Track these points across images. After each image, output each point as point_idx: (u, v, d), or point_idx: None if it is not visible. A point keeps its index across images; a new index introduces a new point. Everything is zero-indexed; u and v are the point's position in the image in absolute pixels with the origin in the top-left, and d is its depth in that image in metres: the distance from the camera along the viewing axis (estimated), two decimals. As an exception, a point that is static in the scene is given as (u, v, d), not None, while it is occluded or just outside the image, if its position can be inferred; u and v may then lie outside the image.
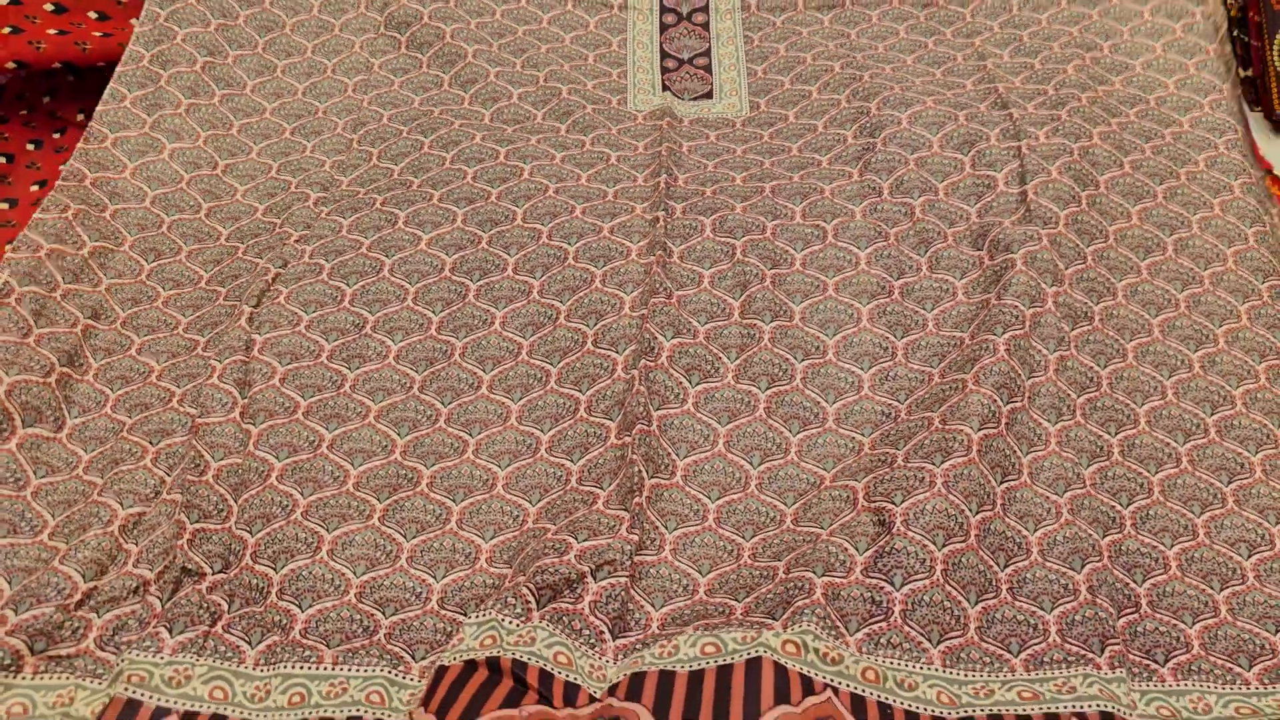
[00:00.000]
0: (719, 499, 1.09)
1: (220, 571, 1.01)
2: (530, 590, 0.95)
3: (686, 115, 1.63)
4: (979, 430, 1.07)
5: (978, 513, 1.02)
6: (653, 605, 0.99)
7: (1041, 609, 0.98)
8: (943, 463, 1.04)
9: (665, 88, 1.68)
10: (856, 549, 0.98)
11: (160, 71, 1.58)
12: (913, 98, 1.53)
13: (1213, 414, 1.19)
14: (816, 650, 0.91)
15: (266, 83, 1.64)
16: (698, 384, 1.19)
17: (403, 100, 1.62)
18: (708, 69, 1.71)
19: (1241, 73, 1.95)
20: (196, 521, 1.03)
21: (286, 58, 1.68)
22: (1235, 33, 1.98)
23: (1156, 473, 1.14)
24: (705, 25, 1.78)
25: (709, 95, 1.67)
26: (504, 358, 1.23)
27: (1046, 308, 1.22)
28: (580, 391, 1.18)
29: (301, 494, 1.09)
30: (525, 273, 1.32)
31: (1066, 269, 1.28)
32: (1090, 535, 1.04)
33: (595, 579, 0.97)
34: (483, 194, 1.41)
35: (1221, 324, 1.28)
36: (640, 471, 1.06)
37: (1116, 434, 1.16)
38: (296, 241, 1.36)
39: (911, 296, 1.29)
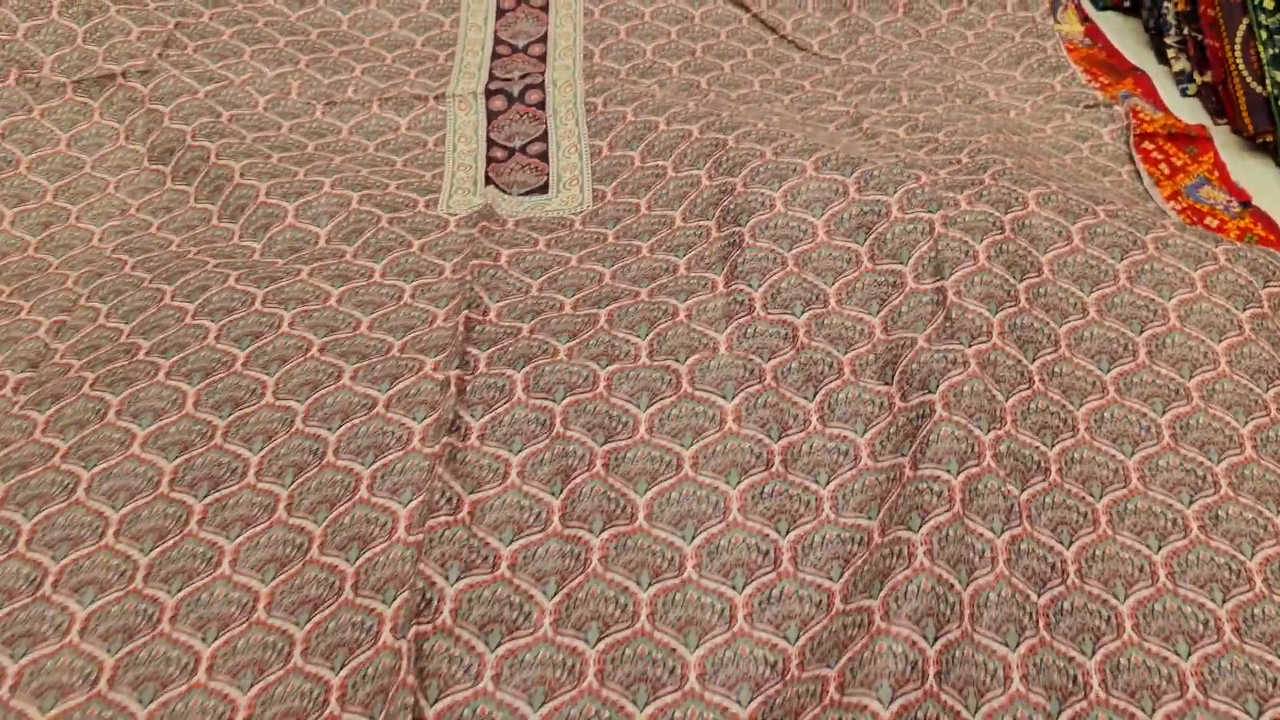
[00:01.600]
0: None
1: None
2: None
3: (513, 215, 1.27)
4: (891, 703, 0.72)
5: None
6: None
7: None
8: (844, 776, 0.69)
9: (489, 181, 1.33)
10: None
11: None
12: (788, 165, 1.18)
13: (1225, 600, 0.85)
14: None
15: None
16: (497, 646, 0.83)
17: (158, 244, 1.25)
18: (544, 156, 1.36)
19: (1199, 79, 1.62)
20: None
21: (18, 205, 1.31)
22: (1185, 30, 1.65)
23: (1154, 710, 0.79)
24: (541, 105, 1.44)
25: (544, 189, 1.32)
26: (232, 618, 0.87)
27: (984, 466, 0.87)
28: (333, 670, 0.82)
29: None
30: (270, 478, 0.96)
31: (1008, 400, 0.94)
32: None
33: None
34: (225, 360, 1.05)
35: (1221, 458, 0.94)
36: None
37: (1094, 652, 0.82)
38: (-28, 458, 0.99)
39: (799, 465, 0.94)
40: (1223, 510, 0.90)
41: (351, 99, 1.46)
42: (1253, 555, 0.87)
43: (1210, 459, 0.94)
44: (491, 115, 1.43)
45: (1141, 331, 1.02)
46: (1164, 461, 0.94)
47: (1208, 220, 1.37)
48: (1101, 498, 0.91)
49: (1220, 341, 1.02)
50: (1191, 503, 0.91)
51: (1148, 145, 1.48)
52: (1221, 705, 0.79)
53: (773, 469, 0.93)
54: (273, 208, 1.25)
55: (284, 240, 1.22)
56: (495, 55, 1.56)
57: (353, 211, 1.24)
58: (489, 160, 1.36)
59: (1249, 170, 1.48)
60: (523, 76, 1.50)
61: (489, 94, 1.46)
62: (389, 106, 1.45)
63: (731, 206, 1.16)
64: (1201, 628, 0.83)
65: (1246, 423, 0.96)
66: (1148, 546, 0.88)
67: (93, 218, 1.31)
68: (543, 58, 1.56)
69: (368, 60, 1.56)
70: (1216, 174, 1.46)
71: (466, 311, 1.07)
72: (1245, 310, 1.04)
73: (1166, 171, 1.46)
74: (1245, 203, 1.41)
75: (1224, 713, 0.78)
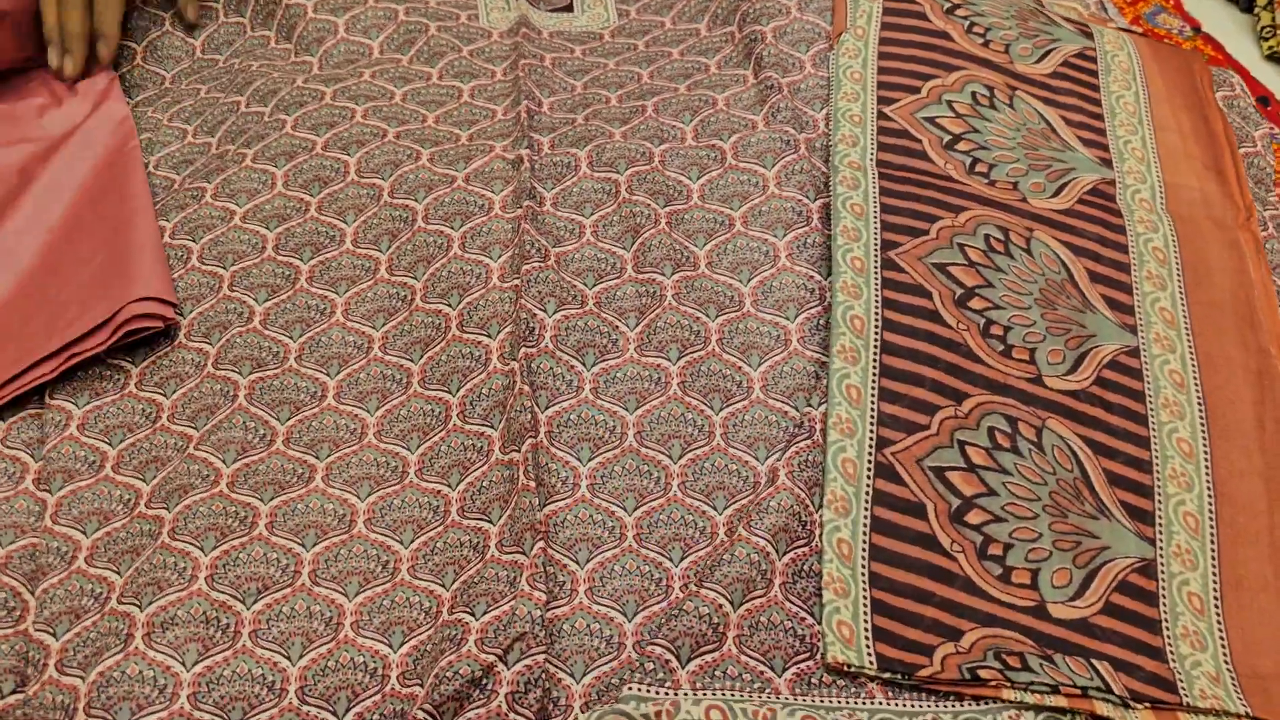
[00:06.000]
0: (636, 509, 0.89)
1: (14, 692, 0.78)
2: (430, 712, 0.74)
3: (546, 27, 1.38)
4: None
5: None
6: (572, 675, 0.79)
7: None
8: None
9: (518, -5, 1.42)
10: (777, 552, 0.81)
11: None
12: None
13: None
14: (745, 710, 0.76)
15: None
16: (594, 365, 0.97)
17: (223, 73, 1.32)
18: (567, -21, 1.46)
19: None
20: (-25, 627, 0.80)
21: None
22: None
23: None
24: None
25: (569, 9, 1.42)
26: (350, 357, 1.00)
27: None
28: (450, 394, 0.96)
29: (119, 572, 0.85)
30: (368, 245, 1.07)
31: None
32: None
33: (507, 664, 0.76)
34: (306, 145, 1.16)
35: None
36: (534, 502, 0.85)
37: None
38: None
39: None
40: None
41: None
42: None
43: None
44: (513, -60, 1.51)
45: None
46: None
47: (1165, 42, 1.53)
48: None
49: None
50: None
51: (1110, -24, 1.62)
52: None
53: (812, 224, 1.07)
54: (323, 22, 1.33)
55: (339, 53, 1.31)
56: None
57: (401, 23, 1.33)
58: (516, -26, 1.45)
59: (1200, 0, 1.63)
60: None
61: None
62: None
63: (750, 12, 1.28)
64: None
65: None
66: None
67: (158, 61, 1.37)
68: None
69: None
70: (1172, 2, 1.61)
71: (526, 103, 1.18)
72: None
73: (1128, 0, 1.61)
74: (1196, 28, 1.56)
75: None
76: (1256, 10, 1.55)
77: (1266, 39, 1.53)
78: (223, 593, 0.83)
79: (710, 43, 1.30)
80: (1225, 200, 1.14)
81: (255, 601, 0.83)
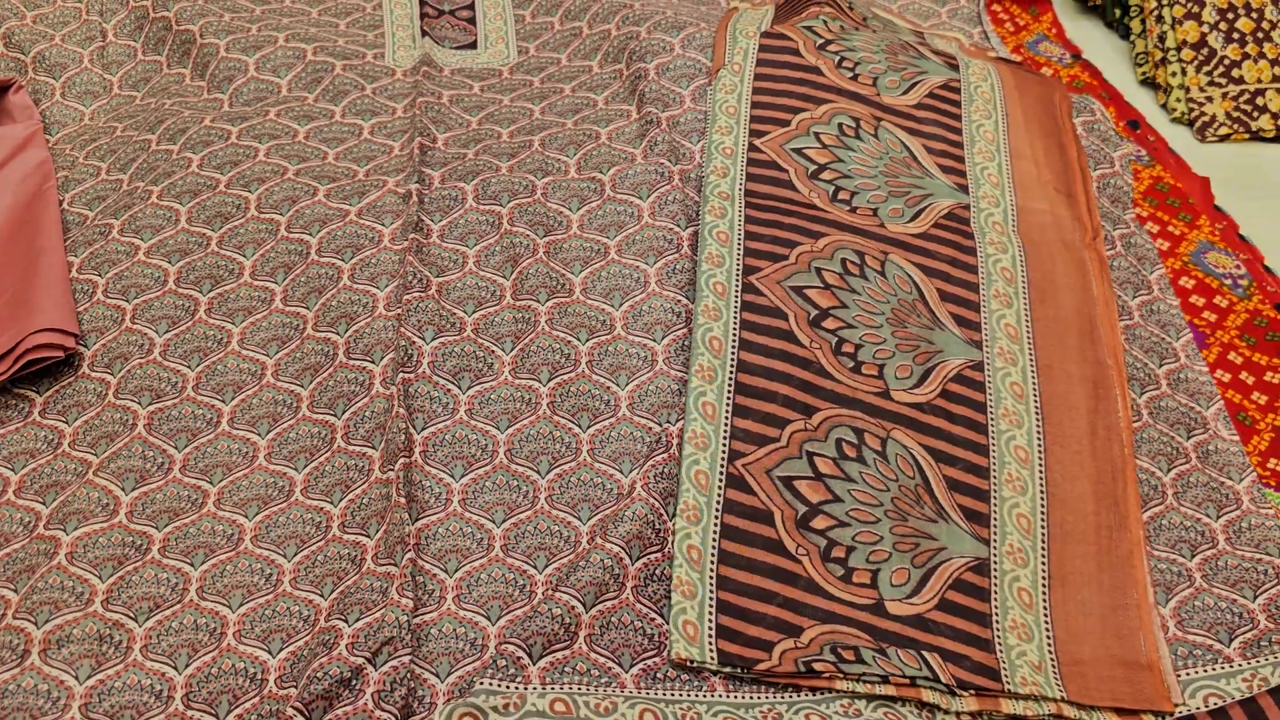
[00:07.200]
0: (505, 521, 0.95)
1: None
2: (300, 709, 0.80)
3: (448, 64, 1.45)
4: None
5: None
6: (437, 675, 0.85)
7: None
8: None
9: (425, 33, 1.49)
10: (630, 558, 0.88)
11: None
12: (683, 19, 1.38)
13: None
14: (588, 702, 0.82)
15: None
16: (469, 388, 1.04)
17: (139, 111, 1.39)
18: (471, 20, 1.53)
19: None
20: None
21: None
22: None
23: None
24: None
25: (473, 45, 1.49)
26: (245, 384, 1.06)
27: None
28: (336, 416, 1.02)
29: (15, 589, 0.91)
30: (265, 277, 1.14)
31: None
32: None
33: (375, 666, 0.82)
34: (210, 183, 1.22)
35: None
36: (405, 517, 0.91)
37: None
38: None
39: (703, 249, 1.16)
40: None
41: (290, -31, 1.60)
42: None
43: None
44: (422, -20, 1.59)
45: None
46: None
47: (1044, 70, 1.61)
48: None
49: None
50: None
51: (996, 7, 1.71)
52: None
53: (682, 251, 1.15)
54: (234, 61, 1.40)
55: (249, 91, 1.37)
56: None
57: (309, 62, 1.39)
58: (422, 16, 1.52)
59: (1081, 28, 1.72)
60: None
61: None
62: (327, -24, 1.60)
63: (637, 49, 1.36)
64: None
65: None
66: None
67: (76, 97, 1.43)
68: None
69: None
70: (1054, 31, 1.70)
71: (420, 139, 1.25)
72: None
73: (1011, 30, 1.69)
74: (1076, 55, 1.65)
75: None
76: (1132, 38, 1.64)
77: (1141, 65, 1.62)
78: (116, 612, 0.89)
79: (600, 79, 1.37)
80: (1074, 222, 1.22)
81: (147, 619, 0.89)
